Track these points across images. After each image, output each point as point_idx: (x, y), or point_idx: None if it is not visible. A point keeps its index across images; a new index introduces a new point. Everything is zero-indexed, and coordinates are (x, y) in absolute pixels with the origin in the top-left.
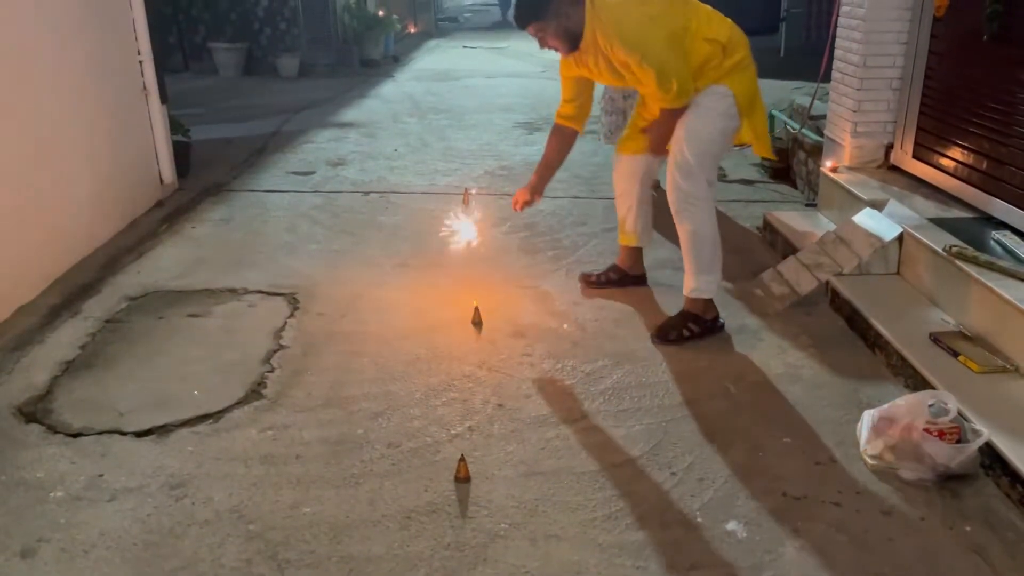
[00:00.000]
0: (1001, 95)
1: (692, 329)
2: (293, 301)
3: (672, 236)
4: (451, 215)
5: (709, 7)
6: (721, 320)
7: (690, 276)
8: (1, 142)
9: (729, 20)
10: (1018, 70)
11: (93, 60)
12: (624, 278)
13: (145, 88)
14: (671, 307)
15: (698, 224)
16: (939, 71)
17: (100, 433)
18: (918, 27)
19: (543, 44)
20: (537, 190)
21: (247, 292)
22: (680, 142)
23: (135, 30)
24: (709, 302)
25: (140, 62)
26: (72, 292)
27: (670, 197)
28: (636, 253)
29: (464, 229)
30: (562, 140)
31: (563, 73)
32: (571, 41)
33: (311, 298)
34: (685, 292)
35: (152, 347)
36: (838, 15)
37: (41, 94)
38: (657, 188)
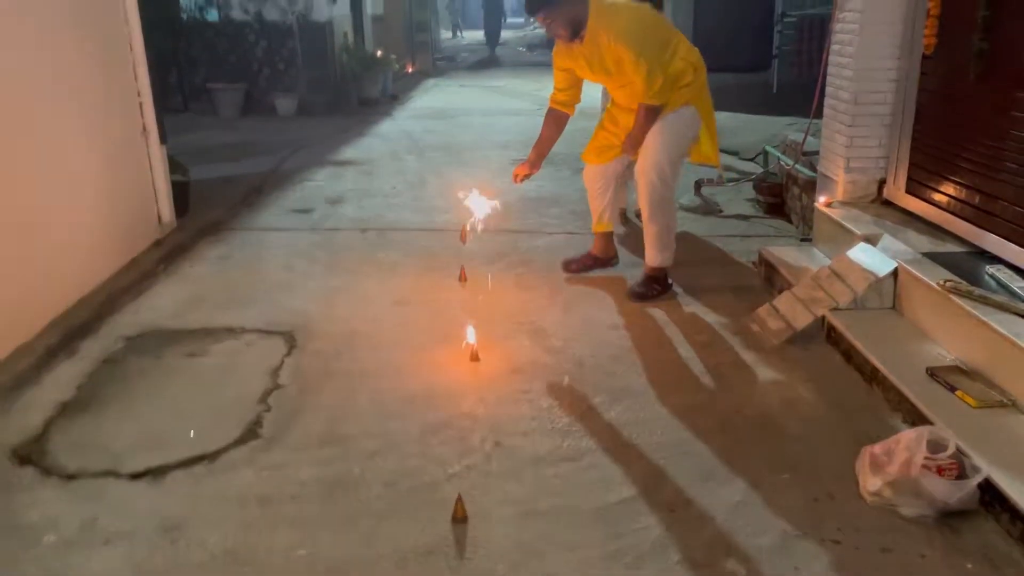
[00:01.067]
0: (990, 131)
1: (656, 289)
2: (290, 339)
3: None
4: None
5: (684, 37)
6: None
7: (654, 253)
8: (0, 182)
9: (696, 49)
10: (1006, 107)
11: (93, 102)
12: (599, 262)
13: (145, 129)
14: (668, 344)
15: (667, 218)
16: (929, 107)
17: (95, 475)
18: (907, 64)
19: (549, 31)
20: (536, 165)
21: (244, 331)
22: (658, 153)
23: (135, 72)
24: (665, 269)
25: (140, 103)
26: (70, 332)
27: (646, 198)
28: (609, 237)
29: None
30: (557, 121)
31: (556, 65)
32: (574, 29)
33: (308, 336)
34: (651, 263)
35: (149, 387)
36: (829, 53)
37: (40, 135)
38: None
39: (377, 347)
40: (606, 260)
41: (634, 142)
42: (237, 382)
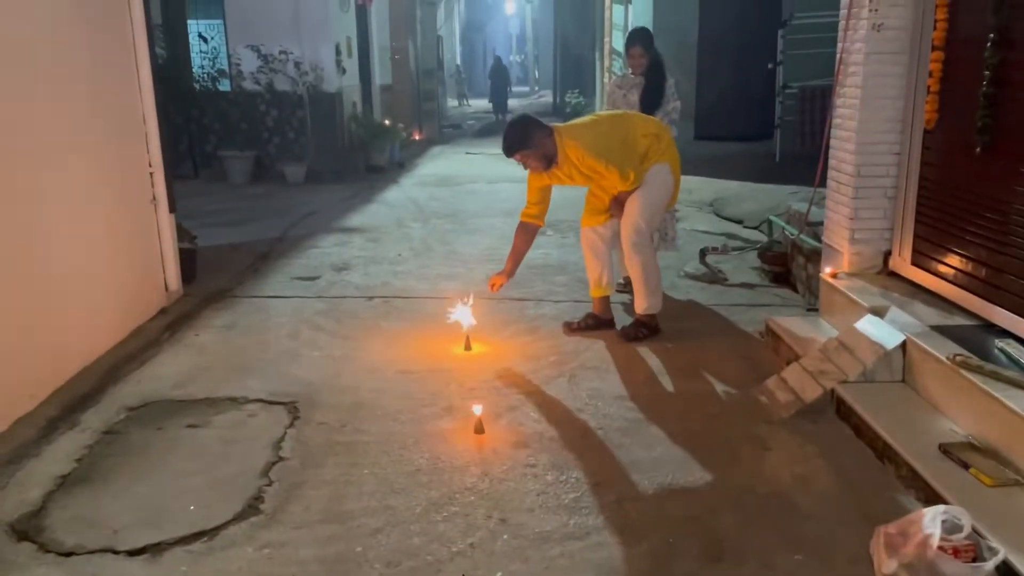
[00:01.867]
0: (995, 205)
1: (644, 332)
2: (293, 410)
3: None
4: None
5: (638, 113)
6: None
7: (641, 298)
8: (9, 251)
9: (653, 118)
10: (1010, 181)
11: (105, 171)
12: (599, 323)
13: (155, 198)
14: (676, 416)
15: (646, 258)
16: (933, 180)
17: (92, 552)
18: (909, 138)
19: (525, 166)
20: (511, 274)
21: (247, 401)
22: (639, 209)
23: (148, 142)
24: (654, 316)
25: (151, 173)
26: (71, 402)
27: (626, 243)
28: (606, 301)
29: (462, 315)
30: (528, 234)
31: (531, 184)
32: (547, 162)
33: (312, 407)
34: (638, 311)
35: (149, 460)
36: (831, 125)
37: (51, 203)
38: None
39: (381, 418)
40: (604, 322)
41: (620, 205)
42: (239, 454)
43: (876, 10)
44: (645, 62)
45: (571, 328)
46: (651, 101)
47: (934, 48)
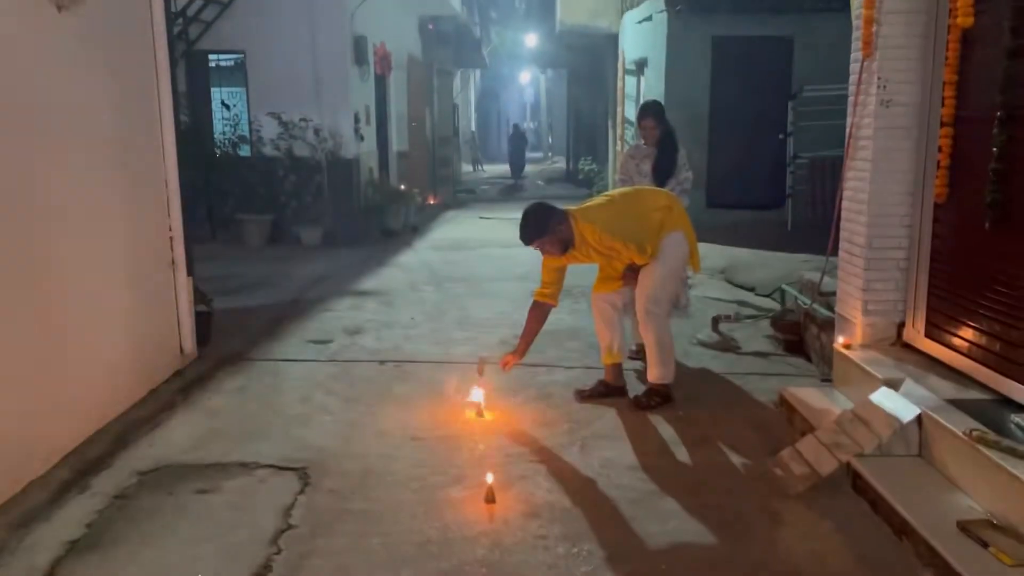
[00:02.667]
0: (1007, 280)
1: (657, 401)
2: (304, 476)
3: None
4: (463, 386)
5: (648, 187)
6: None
7: (655, 367)
8: (27, 311)
9: (663, 190)
10: (1022, 257)
11: (127, 236)
12: (610, 390)
13: (174, 262)
14: (689, 489)
15: (660, 328)
16: (945, 254)
17: None
18: (920, 211)
19: (543, 252)
20: (523, 354)
21: (258, 466)
22: (651, 280)
23: (168, 206)
24: (667, 385)
25: (171, 237)
26: (83, 466)
27: (641, 313)
28: (618, 368)
29: (475, 395)
30: (542, 313)
31: (546, 265)
32: (565, 247)
33: (323, 473)
34: (651, 379)
35: (159, 526)
36: (842, 196)
37: (71, 266)
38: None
39: (392, 486)
40: (616, 389)
41: (634, 274)
42: (249, 521)
43: (885, 86)
44: (657, 134)
45: (583, 395)
46: (664, 171)
47: (943, 124)
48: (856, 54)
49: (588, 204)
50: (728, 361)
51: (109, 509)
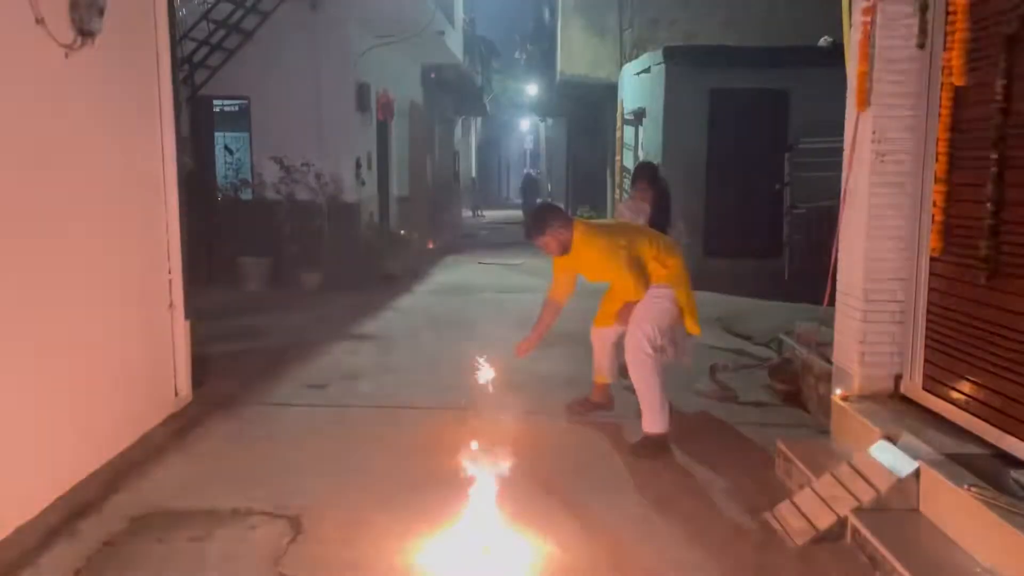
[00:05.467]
0: (1005, 334)
1: (650, 451)
2: (296, 524)
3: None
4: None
5: (650, 233)
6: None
7: (648, 416)
8: (22, 354)
9: (665, 237)
10: (1017, 313)
11: (125, 277)
12: (596, 407)
13: (172, 304)
14: (686, 542)
15: (648, 377)
16: (941, 307)
17: None
18: (916, 264)
19: (544, 248)
20: (535, 343)
21: (250, 513)
22: (640, 324)
23: (168, 250)
24: (662, 435)
25: (170, 280)
26: (73, 510)
27: (629, 356)
28: (606, 388)
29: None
30: (555, 310)
31: (556, 267)
32: (563, 248)
33: (315, 521)
34: (646, 429)
35: (148, 574)
36: (837, 247)
37: (68, 307)
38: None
39: (385, 537)
40: (603, 405)
41: (625, 315)
42: (238, 571)
43: (879, 141)
44: (651, 195)
45: (572, 410)
46: (659, 228)
47: (936, 180)
48: (851, 108)
49: (597, 222)
50: (725, 411)
51: (98, 556)
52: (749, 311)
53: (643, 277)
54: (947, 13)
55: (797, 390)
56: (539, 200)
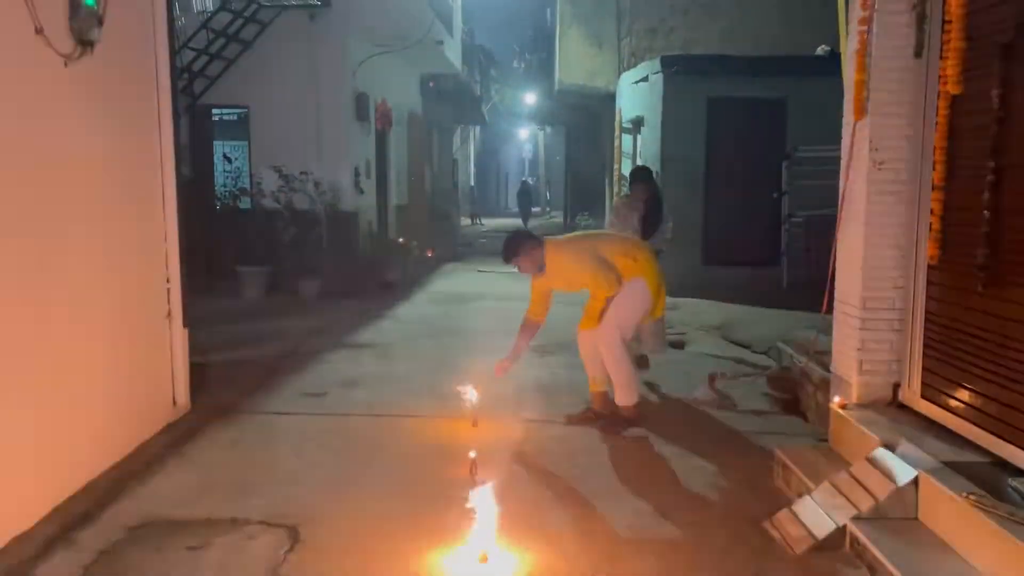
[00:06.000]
0: (1002, 342)
1: (624, 425)
2: (294, 533)
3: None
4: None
5: (617, 235)
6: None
7: (620, 390)
8: (18, 363)
9: (632, 240)
10: (1016, 319)
11: (123, 285)
12: (597, 416)
13: (170, 313)
14: (685, 549)
15: (618, 357)
16: (939, 315)
17: None
18: (914, 272)
19: (520, 269)
20: (512, 362)
21: (248, 523)
22: (611, 318)
23: (167, 259)
24: (633, 408)
25: (168, 289)
26: (71, 520)
27: (600, 344)
28: (604, 395)
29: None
30: (533, 329)
31: (534, 287)
32: (538, 268)
33: (313, 530)
34: (618, 402)
35: None
36: (835, 257)
37: (65, 316)
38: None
39: (384, 546)
40: (602, 416)
41: (601, 317)
42: None
43: (876, 149)
44: (646, 195)
45: (571, 420)
46: (651, 226)
47: (934, 188)
48: (848, 117)
49: (560, 238)
50: (724, 419)
51: (95, 565)
52: (748, 319)
53: (613, 273)
54: (943, 22)
55: (796, 398)
56: (533, 205)
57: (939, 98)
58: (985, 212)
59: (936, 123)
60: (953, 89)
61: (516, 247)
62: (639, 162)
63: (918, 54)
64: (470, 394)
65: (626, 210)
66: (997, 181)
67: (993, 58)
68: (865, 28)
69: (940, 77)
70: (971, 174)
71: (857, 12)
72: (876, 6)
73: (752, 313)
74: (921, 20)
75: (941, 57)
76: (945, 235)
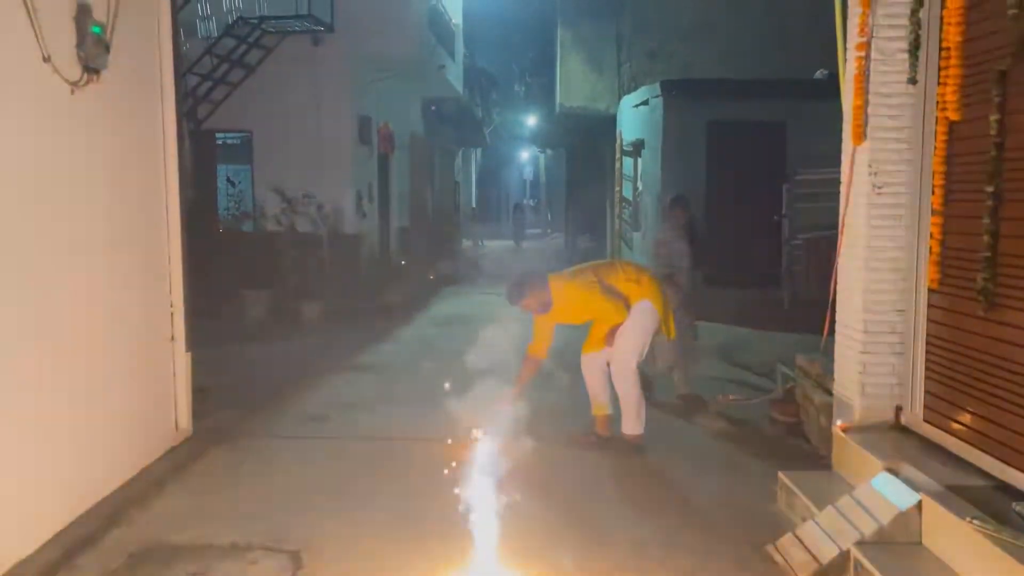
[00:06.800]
0: (1004, 365)
1: (628, 449)
2: (296, 559)
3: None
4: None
5: (616, 262)
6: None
7: (628, 420)
8: (21, 388)
9: (633, 263)
10: (1015, 344)
11: (126, 311)
12: (601, 440)
13: (173, 337)
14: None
15: (631, 388)
16: (940, 338)
17: None
18: (914, 296)
19: (526, 309)
20: (516, 396)
21: (250, 548)
22: (626, 342)
23: (170, 282)
24: (639, 436)
25: (171, 313)
26: (73, 545)
27: (615, 375)
28: (608, 419)
29: None
30: (535, 363)
31: (538, 322)
32: (544, 307)
33: (315, 555)
34: (625, 431)
35: None
36: (835, 280)
37: (69, 341)
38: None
39: (385, 571)
40: (606, 439)
41: (613, 338)
42: None
43: (876, 174)
44: (684, 219)
45: (577, 440)
46: (695, 248)
47: (933, 212)
48: (847, 142)
49: (566, 272)
50: (727, 442)
51: None
52: (750, 341)
53: (620, 300)
54: (941, 49)
55: (798, 421)
56: (528, 227)
57: (938, 123)
58: (985, 236)
59: (935, 148)
60: (953, 116)
61: (522, 289)
62: (640, 185)
63: (914, 81)
64: (474, 428)
65: (672, 235)
66: (996, 206)
67: (991, 84)
68: (863, 54)
69: (939, 103)
70: (970, 199)
71: (855, 38)
72: (873, 32)
73: (754, 335)
74: (916, 48)
75: (939, 83)
76: (945, 259)
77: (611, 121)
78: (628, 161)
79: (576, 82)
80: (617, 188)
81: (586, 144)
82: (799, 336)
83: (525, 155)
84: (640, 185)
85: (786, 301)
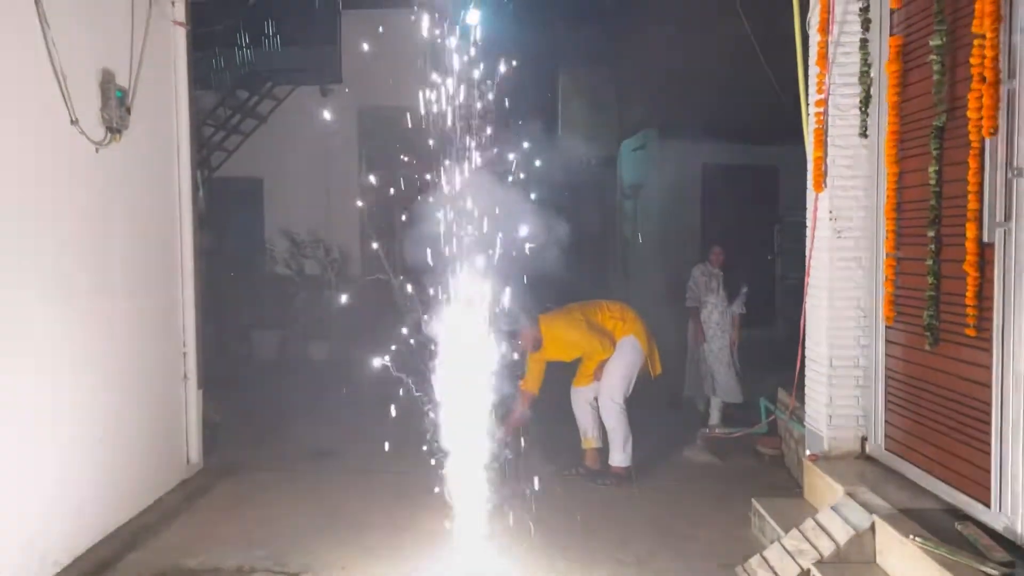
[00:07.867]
0: (950, 396)
1: (611, 480)
2: None
3: None
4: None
5: (603, 302)
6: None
7: (616, 453)
8: (39, 423)
9: (619, 304)
10: (960, 375)
11: (142, 352)
12: (589, 473)
13: (186, 376)
14: None
15: (618, 421)
16: (896, 371)
17: None
18: (873, 332)
19: (518, 350)
20: (511, 431)
21: (254, 571)
22: (609, 381)
23: (184, 324)
24: (625, 469)
25: (184, 353)
26: (90, 569)
27: (604, 408)
28: (596, 452)
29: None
30: (529, 399)
31: (536, 361)
32: (536, 346)
33: None
34: (612, 463)
35: None
36: (805, 319)
37: (87, 377)
38: None
39: None
40: (594, 472)
41: (601, 373)
42: None
43: (836, 219)
44: (722, 259)
45: (564, 475)
46: (731, 293)
47: (887, 255)
48: (810, 190)
49: (554, 311)
50: (713, 474)
51: None
52: (744, 376)
53: (606, 336)
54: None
55: (781, 454)
56: None
57: (888, 174)
58: (929, 277)
59: (887, 196)
60: (890, 168)
61: (514, 331)
62: (639, 227)
63: (864, 134)
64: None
65: (704, 279)
66: (938, 249)
67: (929, 139)
68: (821, 110)
69: (886, 155)
70: (916, 242)
71: (814, 95)
72: (830, 91)
73: (745, 371)
74: (866, 104)
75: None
76: (898, 298)
77: (612, 164)
78: (628, 203)
79: (577, 126)
80: (617, 230)
81: (587, 186)
82: (787, 372)
83: None
84: (639, 228)
85: (779, 338)
